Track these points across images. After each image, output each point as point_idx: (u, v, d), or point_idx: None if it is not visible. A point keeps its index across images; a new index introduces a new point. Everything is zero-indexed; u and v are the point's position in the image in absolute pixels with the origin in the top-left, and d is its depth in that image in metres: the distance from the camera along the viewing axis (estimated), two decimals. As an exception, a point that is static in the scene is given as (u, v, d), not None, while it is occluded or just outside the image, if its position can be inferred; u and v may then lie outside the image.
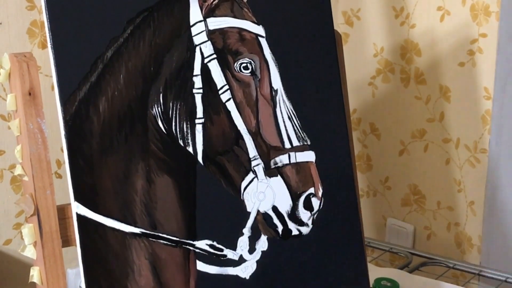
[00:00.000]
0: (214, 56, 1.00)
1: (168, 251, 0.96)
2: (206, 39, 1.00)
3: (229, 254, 1.00)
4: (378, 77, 1.79)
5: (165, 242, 0.95)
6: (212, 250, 0.99)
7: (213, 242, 0.99)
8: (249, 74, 1.02)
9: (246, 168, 1.01)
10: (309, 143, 1.06)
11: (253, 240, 1.02)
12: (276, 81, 1.05)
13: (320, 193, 1.05)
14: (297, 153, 1.03)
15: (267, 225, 1.02)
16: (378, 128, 1.82)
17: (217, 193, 1.00)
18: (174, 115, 0.97)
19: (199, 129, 0.98)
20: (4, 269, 1.36)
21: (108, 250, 0.91)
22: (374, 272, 1.35)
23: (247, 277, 1.02)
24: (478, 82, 1.61)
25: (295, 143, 1.04)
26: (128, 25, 0.95)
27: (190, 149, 0.98)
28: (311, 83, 1.11)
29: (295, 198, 1.02)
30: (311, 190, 1.04)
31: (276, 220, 1.02)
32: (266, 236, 1.03)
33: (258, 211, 1.02)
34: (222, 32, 1.01)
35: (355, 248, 1.14)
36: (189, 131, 0.98)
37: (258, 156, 1.01)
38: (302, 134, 1.06)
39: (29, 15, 1.36)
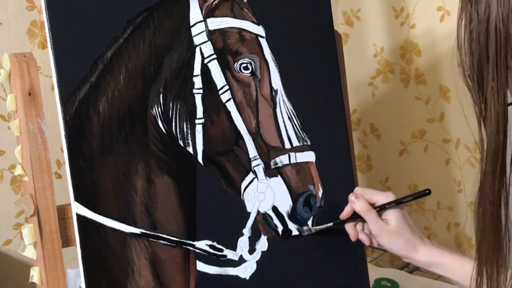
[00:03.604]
0: (214, 56, 1.00)
1: (168, 252, 0.96)
2: (206, 39, 1.00)
3: (229, 254, 1.00)
4: (378, 77, 1.79)
5: (165, 242, 0.95)
6: (212, 251, 0.99)
7: (213, 242, 0.99)
8: (249, 74, 1.02)
9: (246, 168, 1.01)
10: (309, 143, 1.06)
11: (253, 240, 1.02)
12: (276, 81, 1.05)
13: (320, 193, 1.05)
14: (297, 153, 1.03)
15: (267, 225, 1.02)
16: (378, 128, 1.82)
17: (217, 193, 1.00)
18: (174, 116, 0.97)
19: (199, 129, 0.98)
20: (4, 269, 1.36)
21: (108, 250, 0.91)
22: (374, 272, 1.35)
23: (247, 277, 1.02)
24: (478, 82, 1.61)
25: (295, 143, 1.04)
26: (128, 25, 0.95)
27: (190, 149, 0.98)
28: (311, 83, 1.11)
29: (295, 198, 1.02)
30: (311, 190, 1.04)
31: (276, 221, 1.02)
32: (266, 237, 1.03)
33: (258, 211, 1.02)
34: (222, 32, 1.01)
35: (355, 248, 1.14)
36: (189, 131, 0.98)
37: (258, 157, 1.01)
38: (302, 134, 1.06)
39: (29, 15, 1.36)
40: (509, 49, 0.62)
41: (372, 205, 1.02)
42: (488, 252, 0.71)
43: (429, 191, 1.03)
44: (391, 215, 1.01)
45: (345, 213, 1.04)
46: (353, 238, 1.04)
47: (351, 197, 1.02)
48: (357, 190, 1.04)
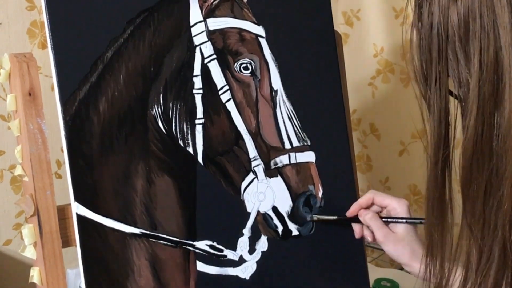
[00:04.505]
0: (214, 56, 1.00)
1: (168, 252, 0.96)
2: (206, 39, 1.00)
3: (229, 254, 1.00)
4: (378, 77, 1.79)
5: (165, 242, 0.95)
6: (212, 251, 0.99)
7: (213, 242, 0.99)
8: (249, 74, 1.02)
9: (246, 168, 1.01)
10: (309, 143, 1.06)
11: (253, 240, 1.02)
12: (276, 82, 1.05)
13: (320, 194, 1.05)
14: (297, 154, 1.03)
15: (267, 225, 1.02)
16: (378, 128, 1.82)
17: (217, 193, 1.00)
18: (174, 116, 0.97)
19: (199, 129, 0.98)
20: (4, 269, 1.36)
21: (108, 250, 0.91)
22: (374, 272, 1.35)
23: (247, 278, 1.02)
24: (478, 82, 1.61)
25: (295, 143, 1.04)
26: (128, 25, 0.95)
27: (190, 149, 0.98)
28: (311, 83, 1.11)
29: (295, 198, 1.02)
30: (311, 190, 1.04)
31: (276, 221, 1.02)
32: (266, 237, 1.03)
33: (258, 211, 1.02)
34: (222, 32, 1.01)
35: (355, 248, 1.14)
36: (189, 131, 0.98)
37: (258, 157, 1.01)
38: (302, 134, 1.06)
39: (29, 15, 1.36)
40: (449, 50, 0.69)
41: (384, 208, 1.02)
42: (434, 234, 0.76)
43: None
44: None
45: (351, 210, 1.03)
46: (357, 235, 1.04)
47: (360, 201, 1.02)
48: (369, 193, 1.03)
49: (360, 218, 1.01)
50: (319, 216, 1.04)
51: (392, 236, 0.99)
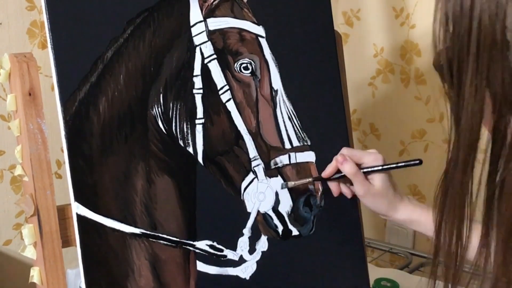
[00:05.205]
0: (214, 56, 1.00)
1: (168, 252, 0.96)
2: (206, 39, 1.00)
3: (229, 254, 1.00)
4: (378, 78, 1.79)
5: (165, 242, 0.95)
6: (212, 251, 0.99)
7: (213, 242, 0.99)
8: (249, 74, 1.02)
9: (246, 168, 1.01)
10: (309, 143, 1.06)
11: (253, 240, 1.02)
12: (276, 81, 1.05)
13: (320, 193, 1.05)
14: (297, 154, 1.03)
15: (267, 225, 1.02)
16: (378, 128, 1.82)
17: (217, 193, 1.00)
18: (174, 116, 0.97)
19: (199, 129, 0.98)
20: (4, 269, 1.36)
21: (108, 250, 0.91)
22: (374, 272, 1.35)
23: (247, 278, 1.02)
24: (478, 82, 1.61)
25: (295, 143, 1.04)
26: (128, 25, 0.95)
27: (190, 149, 0.98)
28: (311, 83, 1.11)
29: (295, 198, 1.02)
30: (311, 190, 1.04)
31: (276, 221, 1.02)
32: (266, 237, 1.03)
33: (258, 211, 1.02)
34: (222, 32, 1.01)
35: (355, 248, 1.14)
36: (189, 131, 0.98)
37: (258, 157, 1.01)
38: (302, 134, 1.06)
39: (29, 15, 1.36)
40: (494, 44, 0.59)
41: (359, 165, 1.03)
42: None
43: (421, 161, 1.04)
44: (377, 175, 1.02)
45: (328, 171, 1.04)
46: (335, 194, 1.05)
47: (338, 158, 1.02)
48: (344, 151, 1.04)
49: (343, 171, 1.02)
50: (295, 182, 1.02)
51: (372, 190, 1.02)
